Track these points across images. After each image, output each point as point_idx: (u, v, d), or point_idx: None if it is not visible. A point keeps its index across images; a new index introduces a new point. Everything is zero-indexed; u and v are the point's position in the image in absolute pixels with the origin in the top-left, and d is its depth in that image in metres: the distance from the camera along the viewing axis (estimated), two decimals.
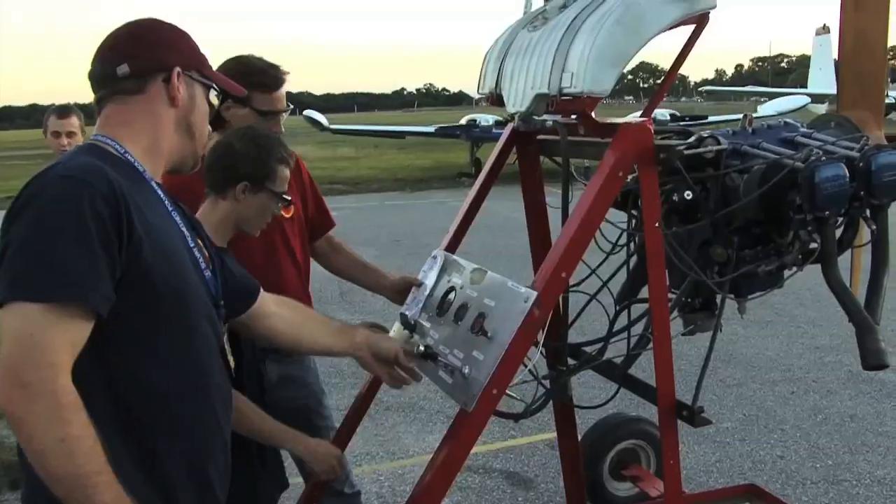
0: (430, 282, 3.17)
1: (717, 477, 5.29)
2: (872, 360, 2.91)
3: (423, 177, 28.04)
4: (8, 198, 2.55)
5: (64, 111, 5.32)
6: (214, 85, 2.19)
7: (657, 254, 2.80)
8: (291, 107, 3.43)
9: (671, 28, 2.80)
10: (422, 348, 2.76)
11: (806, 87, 44.03)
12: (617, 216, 3.14)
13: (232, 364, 2.47)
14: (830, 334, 8.05)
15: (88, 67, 2.09)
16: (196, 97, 2.14)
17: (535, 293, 2.58)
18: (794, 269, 3.08)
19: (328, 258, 3.67)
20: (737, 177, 2.91)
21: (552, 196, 3.25)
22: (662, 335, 2.83)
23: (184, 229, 2.09)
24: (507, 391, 2.63)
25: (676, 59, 3.11)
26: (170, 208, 2.07)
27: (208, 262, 2.16)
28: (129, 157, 2.00)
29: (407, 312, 3.17)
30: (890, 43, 3.47)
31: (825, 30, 40.91)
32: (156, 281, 1.88)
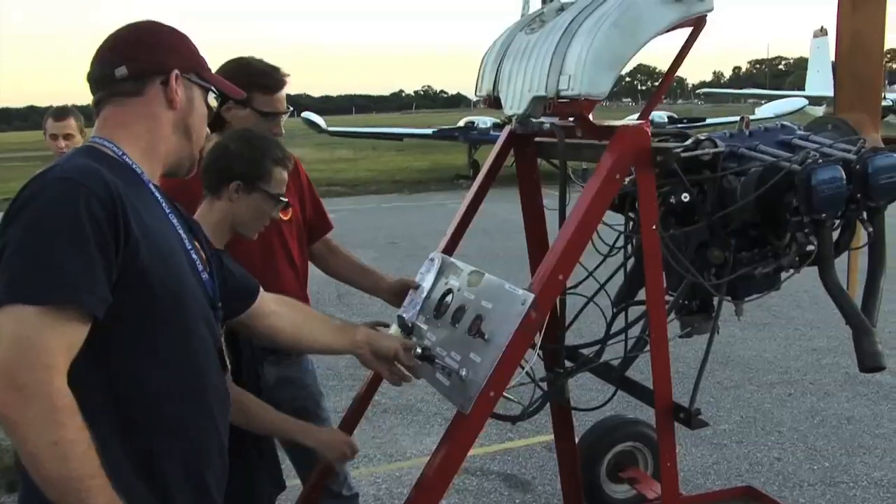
0: (427, 284, 3.18)
1: (714, 479, 5.30)
2: (869, 362, 2.91)
3: (420, 179, 28.07)
4: (6, 199, 2.55)
5: (60, 113, 5.32)
6: (213, 88, 2.19)
7: (654, 256, 2.80)
8: (291, 109, 3.45)
9: (668, 31, 2.81)
10: (419, 350, 2.77)
11: (804, 89, 44.12)
12: (614, 218, 3.14)
13: (230, 366, 2.46)
14: (828, 336, 8.05)
15: (87, 69, 2.10)
16: (194, 100, 2.14)
17: (532, 295, 2.58)
18: (791, 271, 3.08)
19: (325, 261, 3.67)
20: (734, 179, 2.91)
21: (549, 198, 3.26)
22: (659, 337, 2.83)
23: (181, 231, 2.09)
24: (505, 393, 2.64)
25: (674, 61, 3.12)
26: (167, 210, 2.07)
27: (206, 264, 2.16)
28: (126, 160, 2.00)
29: (404, 315, 3.17)
30: (887, 45, 3.48)
31: (823, 32, 41.02)
32: (152, 283, 1.88)
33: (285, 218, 3.29)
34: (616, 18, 2.69)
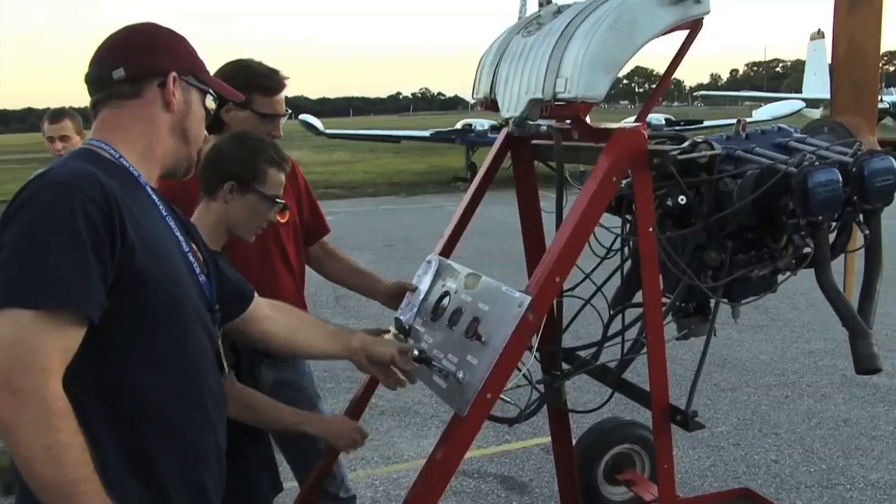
0: (424, 286, 3.18)
1: (711, 481, 5.30)
2: (865, 364, 2.91)
3: (418, 181, 28.07)
4: (3, 201, 2.55)
5: (56, 116, 5.33)
6: (210, 90, 2.20)
7: (651, 258, 2.80)
8: (290, 111, 3.46)
9: (665, 33, 2.81)
10: (416, 353, 2.77)
11: (801, 91, 44.16)
12: (611, 221, 3.15)
13: (227, 368, 2.47)
14: (825, 338, 8.06)
15: (85, 70, 2.10)
16: (192, 102, 2.14)
17: (529, 298, 2.58)
18: (788, 273, 3.09)
19: (322, 263, 3.68)
20: (730, 182, 2.92)
21: (546, 200, 3.26)
22: (656, 339, 2.83)
23: (178, 234, 2.09)
24: (502, 396, 2.64)
25: (670, 64, 3.12)
26: (164, 213, 2.07)
27: (203, 267, 2.16)
28: (123, 162, 2.00)
29: (401, 317, 3.17)
30: (883, 48, 3.48)
31: (820, 35, 41.04)
32: (149, 286, 1.88)
33: (283, 221, 3.29)
34: (612, 21, 2.70)
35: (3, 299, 1.72)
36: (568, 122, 2.97)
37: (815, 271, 2.98)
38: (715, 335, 3.17)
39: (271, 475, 3.05)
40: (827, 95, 3.39)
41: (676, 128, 25.98)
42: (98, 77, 2.06)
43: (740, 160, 2.95)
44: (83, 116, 5.12)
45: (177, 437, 1.99)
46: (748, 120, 2.98)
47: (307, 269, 3.61)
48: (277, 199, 2.86)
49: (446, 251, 3.41)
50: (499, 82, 3.11)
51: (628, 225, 3.16)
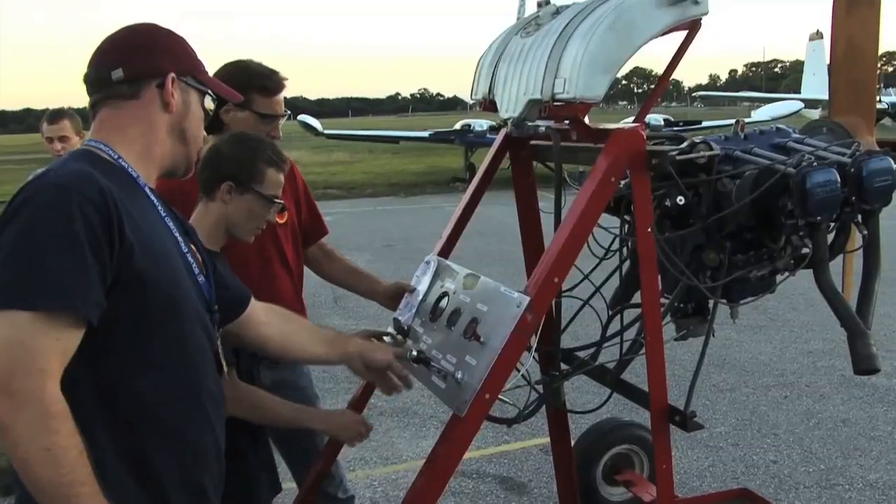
0: (423, 287, 3.18)
1: (710, 481, 5.30)
2: (864, 364, 2.92)
3: (417, 181, 28.07)
4: (1, 202, 2.55)
5: (55, 116, 5.34)
6: (209, 91, 2.19)
7: (650, 259, 2.80)
8: (289, 112, 3.46)
9: (663, 34, 2.81)
10: (415, 353, 2.77)
11: (800, 92, 44.18)
12: (610, 221, 3.15)
13: (226, 369, 2.47)
14: (823, 339, 8.07)
15: (84, 71, 2.10)
16: (190, 103, 2.14)
17: (527, 298, 2.58)
18: (787, 274, 3.09)
19: (320, 264, 3.68)
20: (729, 182, 2.92)
21: (545, 201, 3.26)
22: (655, 340, 2.83)
23: (177, 235, 2.09)
24: (500, 396, 2.64)
25: (669, 64, 3.12)
26: (163, 214, 2.07)
27: (202, 268, 2.16)
28: (122, 163, 2.00)
29: (400, 318, 3.17)
30: (881, 49, 3.49)
31: (818, 35, 41.06)
32: (147, 287, 1.88)
33: (281, 221, 3.29)
34: (611, 22, 2.70)
35: (1, 301, 1.72)
36: (566, 122, 2.97)
37: (813, 272, 2.99)
38: (714, 336, 3.17)
39: (270, 475, 3.05)
40: (826, 96, 3.39)
41: (675, 128, 25.99)
42: (97, 78, 2.06)
43: (739, 161, 2.95)
44: (82, 117, 5.12)
45: (176, 438, 1.99)
46: (747, 120, 2.98)
47: (306, 269, 3.61)
48: (276, 200, 2.85)
49: (445, 251, 3.40)
50: (497, 83, 3.11)
51: (627, 225, 3.17)
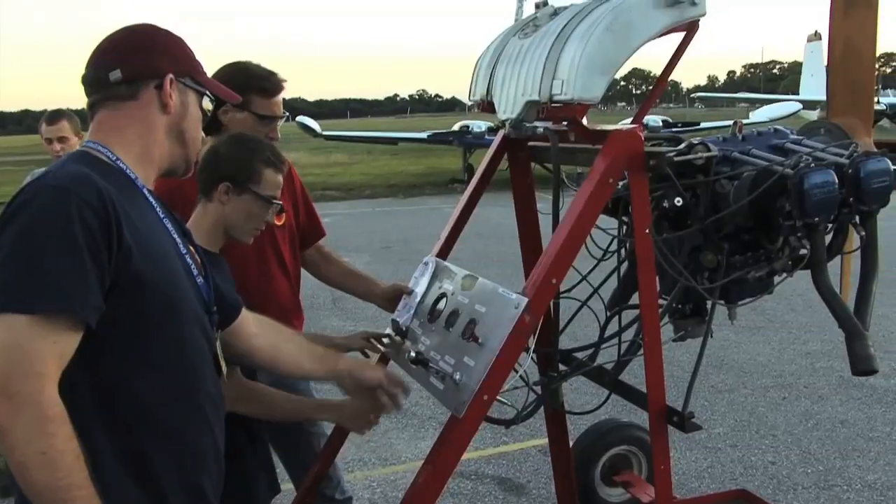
0: (421, 288, 3.18)
1: (708, 482, 5.30)
2: (862, 365, 2.92)
3: (415, 183, 28.08)
4: (0, 203, 2.56)
5: (53, 117, 5.34)
6: (207, 92, 2.19)
7: (648, 260, 2.81)
8: (287, 114, 3.46)
9: (661, 35, 2.82)
10: (413, 354, 2.77)
11: (798, 93, 44.21)
12: (608, 223, 3.15)
13: (225, 369, 2.47)
14: (822, 340, 8.07)
15: (82, 72, 2.10)
16: (188, 104, 2.14)
17: (525, 299, 2.58)
18: (784, 275, 3.09)
19: (318, 267, 3.68)
20: (727, 183, 2.92)
21: (543, 202, 3.26)
22: (653, 341, 2.84)
23: (175, 236, 2.09)
24: (499, 397, 2.64)
25: (667, 65, 3.13)
26: (161, 215, 2.07)
27: (200, 269, 2.16)
28: (120, 165, 2.00)
29: (398, 319, 3.18)
30: (879, 50, 3.49)
31: (817, 36, 41.10)
32: (146, 289, 1.88)
33: (279, 223, 3.30)
34: (609, 23, 2.70)
35: None
36: (564, 123, 2.98)
37: (811, 273, 2.99)
38: (712, 337, 3.17)
39: (269, 476, 3.05)
40: (824, 97, 3.39)
41: (674, 129, 26.02)
42: (95, 78, 2.06)
43: (737, 162, 2.96)
44: (81, 118, 5.12)
45: (174, 439, 1.99)
46: (745, 121, 2.99)
47: (304, 271, 3.61)
48: (274, 201, 2.85)
49: (443, 253, 3.41)
50: (495, 84, 3.12)
51: (625, 226, 3.17)
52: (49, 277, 1.73)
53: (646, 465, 4.48)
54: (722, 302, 3.12)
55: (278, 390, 2.88)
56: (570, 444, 4.09)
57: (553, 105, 2.84)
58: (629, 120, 4.32)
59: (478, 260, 11.60)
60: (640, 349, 2.99)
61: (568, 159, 3.08)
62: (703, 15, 2.83)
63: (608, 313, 3.39)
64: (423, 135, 30.84)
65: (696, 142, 2.93)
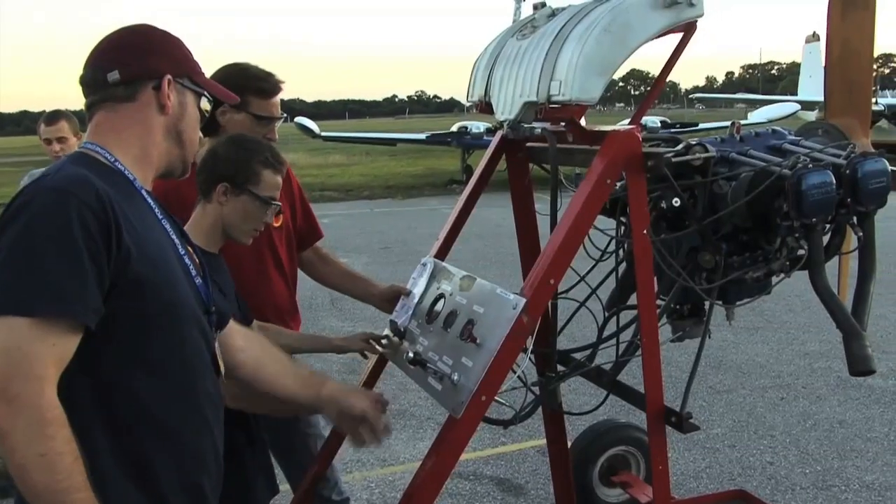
0: (419, 289, 3.18)
1: (706, 483, 5.30)
2: (859, 365, 2.92)
3: (414, 184, 28.07)
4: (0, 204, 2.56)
5: (52, 118, 5.34)
6: (205, 92, 2.19)
7: (645, 260, 2.81)
8: (285, 115, 3.47)
9: (658, 36, 2.82)
10: (411, 355, 2.77)
11: (796, 94, 44.25)
12: (606, 223, 3.15)
13: (223, 370, 2.47)
14: (820, 340, 8.07)
15: (80, 72, 2.10)
16: (187, 104, 2.13)
17: (523, 300, 2.58)
18: (782, 275, 3.10)
19: (315, 268, 3.68)
20: (724, 184, 2.93)
21: (542, 203, 3.27)
22: (651, 341, 2.84)
23: (174, 237, 2.09)
24: (497, 398, 2.64)
25: (664, 67, 3.13)
26: (159, 216, 2.07)
27: (199, 269, 2.16)
28: (118, 166, 2.00)
29: (397, 320, 3.18)
30: (876, 51, 3.50)
31: (815, 37, 41.16)
32: (145, 291, 1.88)
33: (276, 224, 3.30)
34: (606, 24, 2.71)
35: None
36: (562, 124, 2.98)
37: (809, 273, 3.00)
38: (710, 337, 3.18)
39: (267, 477, 3.05)
40: (822, 98, 3.39)
41: (672, 130, 26.05)
42: (93, 79, 2.06)
43: (734, 163, 2.96)
44: (80, 119, 5.12)
45: (174, 440, 1.99)
46: (743, 122, 3.00)
47: (301, 272, 3.61)
48: (272, 201, 2.85)
49: (441, 253, 3.41)
50: (493, 85, 3.12)
51: (623, 227, 3.17)
52: (49, 279, 1.73)
53: (644, 465, 4.48)
54: (720, 302, 3.12)
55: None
56: (569, 444, 4.09)
57: (551, 106, 2.84)
58: (627, 121, 4.32)
59: (476, 261, 11.60)
60: (639, 350, 2.99)
61: (566, 160, 3.08)
62: (701, 16, 2.84)
63: (606, 314, 3.39)
64: (422, 136, 30.88)
65: (693, 142, 2.93)
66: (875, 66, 3.72)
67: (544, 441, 4.08)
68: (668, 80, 3.40)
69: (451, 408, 2.61)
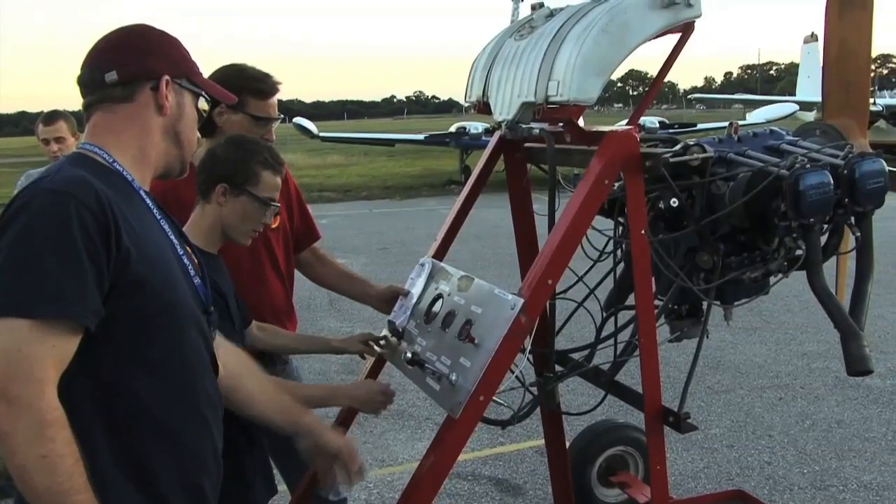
0: (417, 289, 3.18)
1: (704, 483, 5.31)
2: (857, 366, 2.92)
3: (412, 184, 28.07)
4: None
5: (50, 118, 5.34)
6: (203, 92, 2.19)
7: (643, 261, 2.81)
8: (283, 116, 3.47)
9: (656, 37, 2.82)
10: (409, 355, 2.77)
11: (794, 94, 44.25)
12: (604, 224, 3.16)
13: (222, 371, 2.47)
14: (818, 341, 8.08)
15: (78, 72, 2.10)
16: (184, 105, 2.13)
17: (521, 300, 2.59)
18: (780, 275, 3.10)
19: (313, 269, 3.68)
20: (722, 184, 2.93)
21: (539, 203, 3.27)
22: (649, 342, 2.84)
23: (172, 237, 2.09)
24: (495, 398, 2.64)
25: (662, 67, 3.13)
26: (158, 217, 2.07)
27: (198, 270, 2.16)
28: (117, 167, 2.00)
29: (395, 320, 3.18)
30: (875, 51, 3.50)
31: (813, 38, 41.13)
32: (145, 292, 1.88)
33: (273, 225, 3.30)
34: (604, 24, 2.71)
35: None
36: (560, 125, 2.98)
37: (806, 273, 3.00)
38: (708, 337, 3.18)
39: (266, 477, 3.05)
40: (820, 98, 3.40)
41: (670, 131, 26.06)
42: (90, 79, 2.05)
43: (732, 163, 2.96)
44: (78, 119, 5.12)
45: (173, 440, 1.99)
46: (742, 123, 3.00)
47: (299, 274, 3.61)
48: (271, 202, 2.85)
49: (440, 254, 3.41)
50: (491, 86, 3.12)
51: (620, 227, 3.18)
52: (48, 281, 1.73)
53: (642, 465, 4.48)
54: (718, 303, 3.13)
55: (290, 382, 2.88)
56: (567, 444, 4.09)
57: (549, 106, 2.84)
58: (625, 121, 4.32)
59: (474, 261, 11.60)
60: (637, 350, 2.99)
61: (564, 160, 3.08)
62: (699, 16, 2.84)
63: (604, 314, 3.40)
64: (420, 136, 30.90)
65: (691, 143, 2.94)
66: (873, 67, 3.72)
67: (542, 441, 4.08)
68: (666, 80, 3.40)
69: (449, 408, 2.61)
